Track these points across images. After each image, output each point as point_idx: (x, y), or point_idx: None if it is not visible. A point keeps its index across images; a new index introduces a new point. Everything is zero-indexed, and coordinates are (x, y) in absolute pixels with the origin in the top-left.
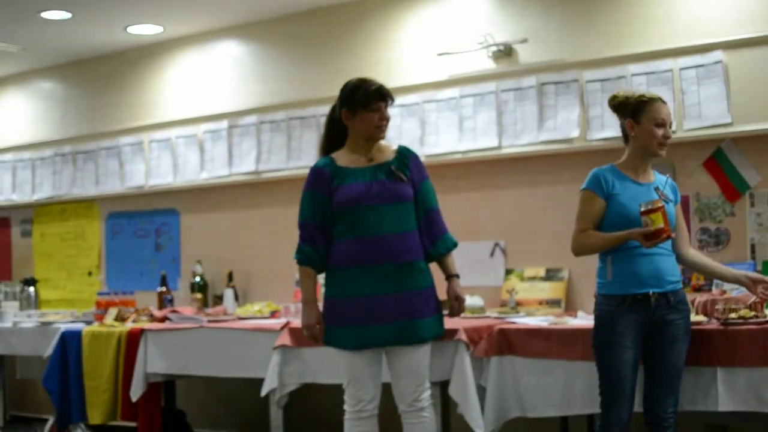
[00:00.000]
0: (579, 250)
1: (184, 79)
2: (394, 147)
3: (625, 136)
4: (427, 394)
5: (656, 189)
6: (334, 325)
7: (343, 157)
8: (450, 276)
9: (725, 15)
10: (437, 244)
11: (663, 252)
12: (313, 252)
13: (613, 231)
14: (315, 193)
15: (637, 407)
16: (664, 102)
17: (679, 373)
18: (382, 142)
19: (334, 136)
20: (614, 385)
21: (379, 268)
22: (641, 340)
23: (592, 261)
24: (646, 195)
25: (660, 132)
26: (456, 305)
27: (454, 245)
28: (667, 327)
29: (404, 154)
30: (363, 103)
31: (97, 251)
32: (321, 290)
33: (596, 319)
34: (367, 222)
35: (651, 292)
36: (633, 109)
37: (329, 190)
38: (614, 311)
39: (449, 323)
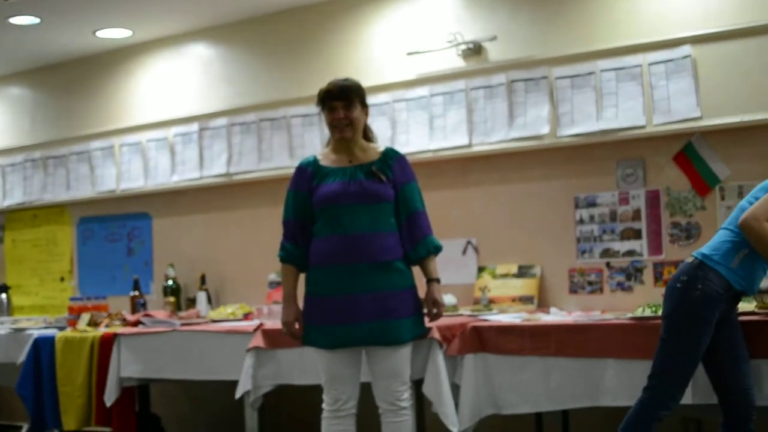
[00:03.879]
0: (753, 230)
1: (153, 82)
2: (381, 149)
3: None
4: (407, 393)
5: None
6: (312, 324)
7: (326, 157)
8: (430, 280)
9: (693, 9)
10: (418, 246)
11: None
12: (295, 249)
13: None
14: (297, 191)
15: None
16: None
17: None
18: (371, 144)
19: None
20: (690, 366)
21: (354, 267)
22: None
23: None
24: None
25: None
26: (434, 310)
27: (437, 249)
28: (731, 318)
29: (389, 156)
30: (322, 104)
31: (69, 256)
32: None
33: (700, 291)
34: (342, 221)
35: (744, 294)
36: None
37: (310, 188)
38: (720, 294)
39: (430, 323)
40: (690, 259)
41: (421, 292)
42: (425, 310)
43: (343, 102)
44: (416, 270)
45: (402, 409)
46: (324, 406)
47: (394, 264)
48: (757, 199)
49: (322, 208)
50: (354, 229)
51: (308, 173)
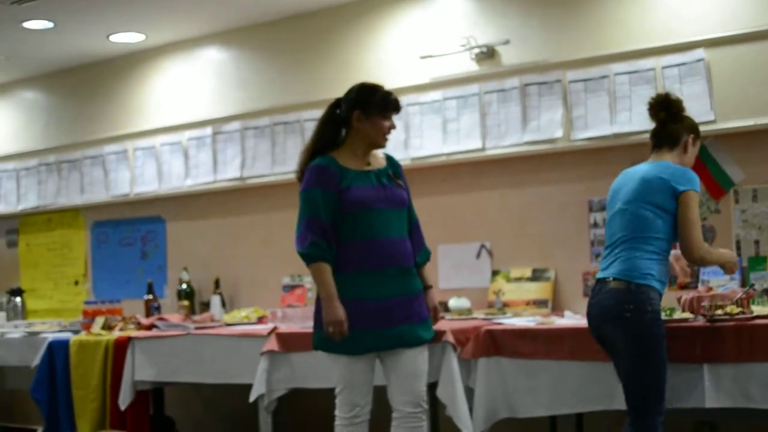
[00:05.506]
0: (708, 261)
1: (167, 86)
2: (381, 154)
3: (673, 140)
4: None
5: None
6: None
7: (343, 158)
8: (427, 287)
9: (707, 13)
10: (422, 253)
11: None
12: (329, 247)
13: None
14: (325, 191)
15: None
16: None
17: None
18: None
19: (330, 136)
20: (664, 376)
21: (387, 271)
22: None
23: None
24: None
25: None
26: (433, 314)
27: (430, 257)
28: None
29: (394, 163)
30: (380, 108)
31: (83, 260)
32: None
33: (651, 312)
34: (376, 225)
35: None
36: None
37: (338, 189)
38: (660, 309)
39: (436, 326)
40: (618, 284)
41: None
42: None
43: (396, 113)
44: None
45: (423, 411)
46: (337, 413)
47: (413, 269)
48: (652, 204)
49: (356, 211)
50: (386, 234)
51: (334, 172)
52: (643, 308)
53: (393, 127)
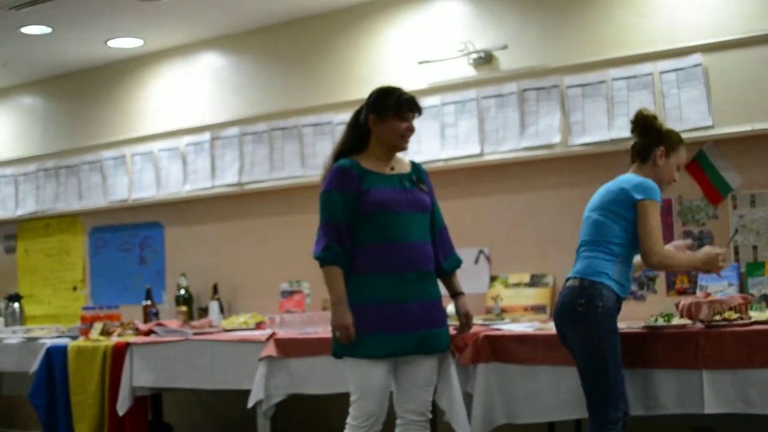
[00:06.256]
0: (667, 266)
1: (165, 92)
2: (407, 160)
3: (644, 154)
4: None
5: None
6: (363, 333)
7: (367, 162)
8: (459, 293)
9: (704, 18)
10: (450, 259)
11: None
12: (342, 251)
13: None
14: (344, 193)
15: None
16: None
17: None
18: (399, 155)
19: (354, 141)
20: (620, 373)
21: (407, 275)
22: None
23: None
24: None
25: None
26: (465, 322)
27: (459, 264)
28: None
29: (419, 169)
30: (394, 110)
31: (82, 266)
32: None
33: (604, 308)
34: (396, 227)
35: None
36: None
37: (359, 190)
38: (614, 305)
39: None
40: (573, 282)
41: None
42: (456, 323)
43: (414, 114)
44: None
45: (427, 420)
46: (350, 420)
47: (433, 274)
48: (611, 212)
49: (376, 213)
50: (407, 237)
51: (355, 175)
52: (594, 303)
53: (411, 129)
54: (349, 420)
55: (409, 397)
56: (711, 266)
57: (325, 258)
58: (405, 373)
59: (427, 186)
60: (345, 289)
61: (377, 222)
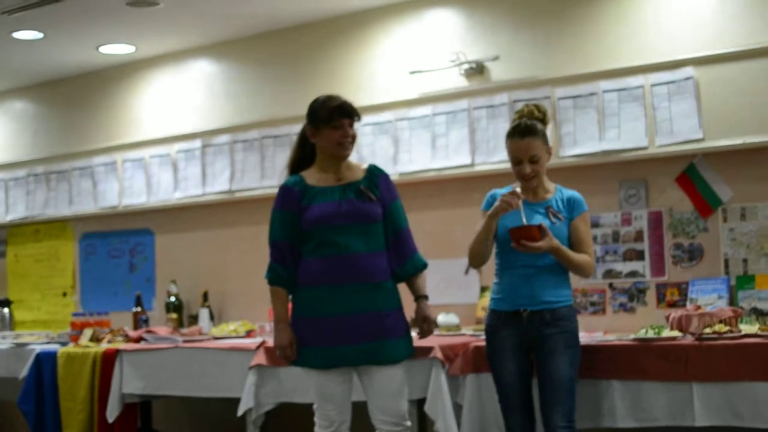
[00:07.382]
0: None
1: (156, 98)
2: (365, 166)
3: None
4: (407, 412)
5: (547, 208)
6: (304, 345)
7: (312, 176)
8: (419, 297)
9: (696, 31)
10: (406, 264)
11: (545, 271)
12: (284, 271)
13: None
14: (284, 211)
15: None
16: (520, 137)
17: (565, 386)
18: (353, 161)
19: (303, 154)
20: (503, 393)
21: (348, 287)
22: (524, 352)
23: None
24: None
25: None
26: (425, 327)
27: (424, 266)
28: (545, 341)
29: (374, 174)
30: (326, 120)
31: (72, 272)
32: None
33: (485, 331)
34: (336, 241)
35: (522, 310)
36: None
37: (299, 208)
38: (494, 325)
39: (425, 341)
40: None
41: (408, 311)
42: (416, 328)
43: (350, 120)
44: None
45: (405, 429)
46: (317, 429)
47: (386, 284)
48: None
49: (314, 228)
50: (348, 250)
51: (296, 193)
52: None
53: (347, 135)
54: (315, 427)
55: (379, 407)
56: (498, 209)
57: (269, 278)
58: (368, 383)
59: (382, 191)
60: (286, 308)
61: (317, 236)
